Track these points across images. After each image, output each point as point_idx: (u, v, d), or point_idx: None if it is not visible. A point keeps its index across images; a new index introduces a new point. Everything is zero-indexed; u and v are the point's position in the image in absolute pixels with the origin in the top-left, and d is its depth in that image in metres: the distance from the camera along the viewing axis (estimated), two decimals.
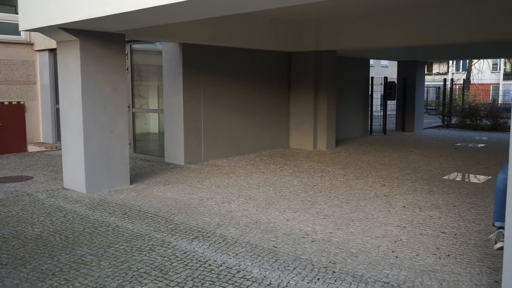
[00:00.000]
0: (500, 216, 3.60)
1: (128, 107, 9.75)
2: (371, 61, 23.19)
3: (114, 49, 6.92)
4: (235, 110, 10.04)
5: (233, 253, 4.39)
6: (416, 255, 4.35)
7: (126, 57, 9.58)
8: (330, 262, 4.18)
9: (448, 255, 4.34)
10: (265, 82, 10.79)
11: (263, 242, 4.68)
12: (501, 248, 3.53)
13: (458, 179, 7.83)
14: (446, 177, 7.92)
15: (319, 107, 11.16)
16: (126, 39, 7.28)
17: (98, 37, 6.69)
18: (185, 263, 4.15)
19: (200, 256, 4.30)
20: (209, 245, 4.59)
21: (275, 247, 4.55)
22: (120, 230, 5.09)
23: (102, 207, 6.03)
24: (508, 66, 41.11)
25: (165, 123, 9.27)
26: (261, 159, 9.74)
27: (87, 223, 5.33)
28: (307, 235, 4.93)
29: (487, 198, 6.44)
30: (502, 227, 3.61)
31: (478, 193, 6.74)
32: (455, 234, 4.93)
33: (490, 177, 7.93)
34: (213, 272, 3.95)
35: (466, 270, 3.99)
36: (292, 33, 10.64)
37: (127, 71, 9.56)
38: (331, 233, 4.99)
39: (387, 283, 3.75)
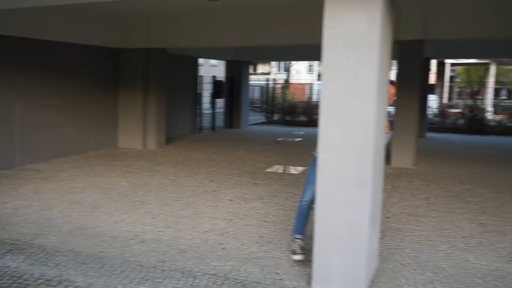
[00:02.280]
0: (300, 230, 4.20)
1: None
2: (201, 60, 23.66)
3: None
4: (56, 110, 9.27)
5: (53, 263, 4.07)
6: (241, 245, 4.60)
7: None
8: (159, 261, 4.16)
9: (269, 242, 4.68)
10: (91, 80, 10.19)
11: (88, 248, 4.44)
12: (300, 260, 4.09)
13: (279, 171, 8.49)
14: (269, 170, 8.51)
15: (148, 105, 11.00)
16: None
17: None
18: None
19: (14, 271, 3.88)
20: (25, 258, 4.17)
21: (102, 252, 4.36)
22: None
23: None
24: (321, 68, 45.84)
25: None
26: (87, 160, 9.20)
27: None
28: (136, 236, 4.82)
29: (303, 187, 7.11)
30: (301, 239, 4.17)
31: (296, 183, 7.40)
32: (276, 222, 5.35)
33: (306, 167, 8.77)
34: (29, 286, 3.61)
35: (285, 254, 4.36)
36: (119, 29, 10.27)
37: None
38: (160, 232, 4.97)
39: (214, 274, 3.88)
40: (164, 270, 3.96)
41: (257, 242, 4.67)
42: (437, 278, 3.85)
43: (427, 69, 14.65)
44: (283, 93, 25.15)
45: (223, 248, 4.50)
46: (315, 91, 40.96)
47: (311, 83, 43.31)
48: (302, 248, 4.12)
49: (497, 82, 40.21)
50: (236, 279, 3.81)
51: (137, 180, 7.52)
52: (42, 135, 8.97)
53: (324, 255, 3.54)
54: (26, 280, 3.73)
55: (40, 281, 3.71)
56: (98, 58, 10.41)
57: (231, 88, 16.63)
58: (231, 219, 5.45)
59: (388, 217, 5.57)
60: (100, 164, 8.80)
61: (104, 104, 10.70)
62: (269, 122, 19.71)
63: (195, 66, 15.19)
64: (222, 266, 4.07)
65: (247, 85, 17.38)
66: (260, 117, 21.44)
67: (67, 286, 3.63)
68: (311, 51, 15.38)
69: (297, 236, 4.21)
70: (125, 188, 6.93)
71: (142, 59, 10.75)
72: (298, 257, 4.06)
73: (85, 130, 10.13)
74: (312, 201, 4.05)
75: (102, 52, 10.46)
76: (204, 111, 16.58)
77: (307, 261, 4.06)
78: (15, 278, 3.76)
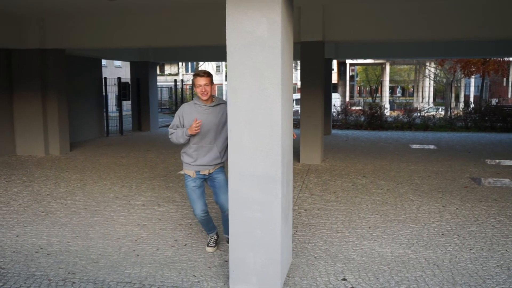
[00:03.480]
0: (210, 230, 4.51)
1: None
2: (104, 61, 22.77)
3: None
4: None
5: None
6: (156, 250, 4.51)
7: None
8: (69, 273, 3.95)
9: (185, 245, 4.64)
10: None
11: None
12: (211, 252, 4.45)
13: None
14: (181, 172, 8.42)
15: (49, 109, 10.38)
16: None
17: None
18: None
19: None
20: None
21: (3, 268, 4.04)
22: None
23: None
24: None
25: None
26: None
27: None
28: (41, 249, 4.53)
29: None
30: (216, 233, 4.57)
31: None
32: (191, 225, 5.31)
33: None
34: None
35: (201, 256, 4.34)
36: (9, 29, 9.54)
37: None
38: (68, 242, 4.72)
39: (129, 282, 3.77)
40: (74, 282, 3.77)
41: (173, 246, 4.61)
42: (347, 268, 4.06)
43: (329, 69, 15.35)
44: (192, 94, 24.97)
45: (138, 255, 4.38)
46: (224, 92, 41.20)
47: (220, 84, 43.49)
48: (216, 241, 4.52)
49: (392, 80, 43.30)
50: (153, 285, 3.73)
51: (40, 189, 7.06)
52: None
53: (239, 254, 3.58)
54: None
55: None
56: None
57: (138, 89, 16.18)
58: (145, 224, 5.32)
59: (300, 213, 5.78)
60: None
61: None
62: None
63: (98, 68, 14.57)
64: (137, 273, 3.96)
65: (155, 86, 17.01)
66: (170, 119, 21.11)
67: None
68: (219, 52, 15.44)
69: (211, 234, 4.54)
70: (27, 199, 6.48)
71: (38, 60, 10.15)
72: (209, 249, 4.45)
73: None
74: (206, 211, 4.31)
75: None
76: (111, 114, 15.97)
77: (224, 261, 4.08)
78: None
